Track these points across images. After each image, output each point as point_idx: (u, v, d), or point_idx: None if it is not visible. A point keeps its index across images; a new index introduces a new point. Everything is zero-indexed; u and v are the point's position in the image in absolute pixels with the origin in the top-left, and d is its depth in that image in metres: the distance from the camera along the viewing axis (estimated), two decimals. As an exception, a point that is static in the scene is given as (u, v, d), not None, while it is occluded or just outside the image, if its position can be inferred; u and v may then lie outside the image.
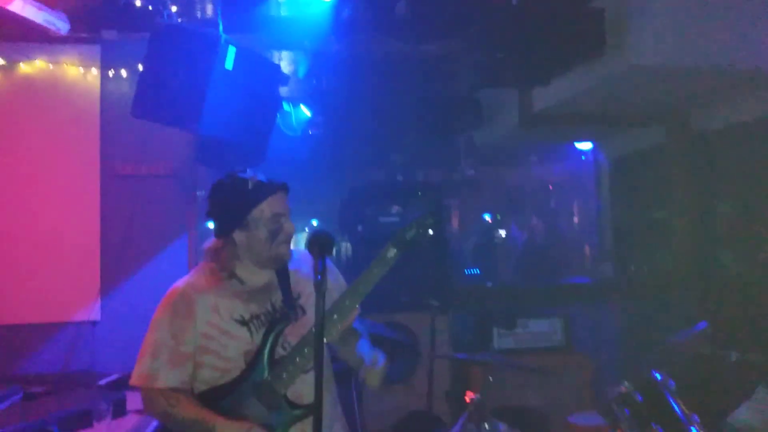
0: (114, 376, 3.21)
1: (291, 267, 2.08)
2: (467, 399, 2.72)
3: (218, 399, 1.92)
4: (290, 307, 2.00)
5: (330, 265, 2.14)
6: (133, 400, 2.95)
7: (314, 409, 1.64)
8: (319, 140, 4.62)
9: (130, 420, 2.76)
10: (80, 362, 3.49)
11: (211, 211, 2.03)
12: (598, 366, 4.05)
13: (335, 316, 1.92)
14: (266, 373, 1.92)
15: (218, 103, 3.10)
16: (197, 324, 1.93)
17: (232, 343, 1.94)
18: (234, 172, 2.03)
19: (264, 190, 1.99)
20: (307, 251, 2.05)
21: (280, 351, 1.95)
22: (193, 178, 3.85)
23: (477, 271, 5.49)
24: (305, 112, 4.58)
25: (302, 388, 1.93)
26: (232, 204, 1.99)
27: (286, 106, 4.46)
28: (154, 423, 2.74)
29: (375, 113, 4.32)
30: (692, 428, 2.47)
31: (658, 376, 2.62)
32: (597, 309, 4.47)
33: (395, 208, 3.98)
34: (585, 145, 5.78)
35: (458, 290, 4.38)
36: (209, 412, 1.90)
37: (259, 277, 2.02)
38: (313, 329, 1.87)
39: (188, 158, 3.80)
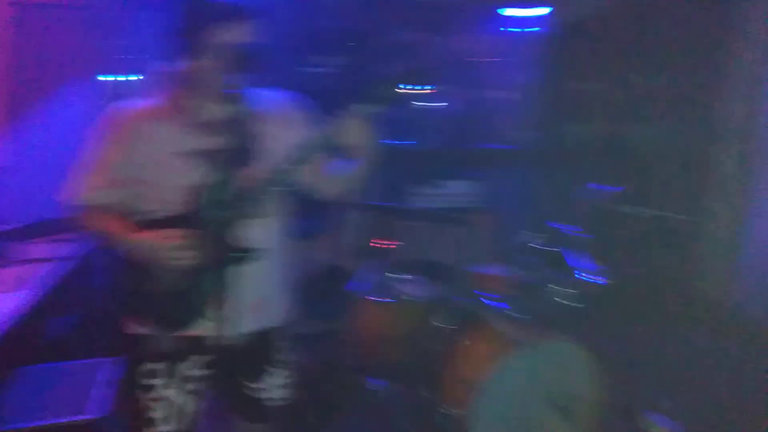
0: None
1: (253, 105, 1.89)
2: (382, 245, 2.76)
3: None
4: (245, 147, 1.84)
5: (298, 103, 2.03)
6: (24, 250, 2.82)
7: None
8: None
9: (13, 271, 2.63)
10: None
11: (166, 31, 1.81)
12: (505, 223, 4.17)
13: (292, 162, 1.80)
14: (208, 213, 1.81)
15: None
16: (134, 151, 1.82)
17: (172, 175, 1.81)
18: None
19: (221, 12, 1.75)
20: (272, 90, 1.98)
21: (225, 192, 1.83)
22: (109, 17, 3.48)
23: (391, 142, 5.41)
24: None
25: (248, 233, 1.84)
26: (184, 25, 1.78)
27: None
28: (41, 273, 2.63)
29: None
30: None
31: (561, 226, 2.74)
32: (514, 174, 4.54)
33: (322, 59, 3.71)
34: (541, 11, 5.45)
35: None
36: (118, 225, 1.86)
37: (214, 111, 1.83)
38: (266, 174, 1.81)
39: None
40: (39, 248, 2.93)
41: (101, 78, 3.68)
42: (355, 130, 1.80)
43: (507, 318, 2.81)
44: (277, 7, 4.04)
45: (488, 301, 2.95)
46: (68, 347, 3.06)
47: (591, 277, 2.75)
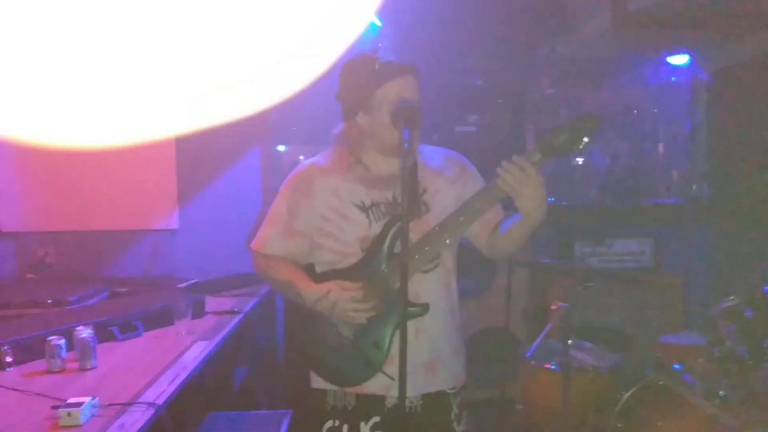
0: (193, 281, 3.27)
1: (420, 159, 1.96)
2: (553, 307, 2.56)
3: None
4: (414, 201, 1.88)
5: (466, 162, 2.05)
6: (212, 303, 3.00)
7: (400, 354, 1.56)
8: (390, 52, 4.36)
9: (209, 320, 2.80)
10: (160, 268, 3.56)
11: (339, 92, 1.94)
12: (689, 286, 3.80)
13: (462, 218, 1.80)
14: (384, 265, 1.84)
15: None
16: (316, 204, 1.91)
17: (350, 227, 1.88)
18: (364, 50, 1.90)
19: (390, 71, 1.84)
20: (438, 147, 2.03)
21: (399, 245, 1.83)
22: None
23: (552, 199, 5.22)
24: (375, 22, 4.34)
25: (419, 287, 1.84)
26: (355, 84, 1.88)
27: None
28: (233, 323, 2.76)
29: (450, 22, 4.03)
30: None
31: (772, 289, 2.38)
32: (688, 230, 4.14)
33: (472, 117, 3.73)
34: (680, 59, 5.29)
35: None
36: (298, 274, 1.92)
37: (386, 165, 1.91)
38: (435, 228, 1.83)
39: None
40: (227, 301, 3.11)
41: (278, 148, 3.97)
42: (526, 180, 1.70)
43: (710, 396, 2.46)
44: (433, 66, 4.18)
45: (685, 375, 2.61)
46: (252, 396, 3.18)
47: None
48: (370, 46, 4.30)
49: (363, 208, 1.89)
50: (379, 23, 4.37)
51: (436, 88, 3.69)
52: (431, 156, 2.01)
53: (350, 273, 1.86)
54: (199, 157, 3.64)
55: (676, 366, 2.70)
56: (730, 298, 2.48)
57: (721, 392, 2.42)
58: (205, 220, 3.63)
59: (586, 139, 1.67)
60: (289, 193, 1.97)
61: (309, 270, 1.99)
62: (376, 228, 1.86)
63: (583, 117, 1.68)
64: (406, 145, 1.58)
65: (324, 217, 1.91)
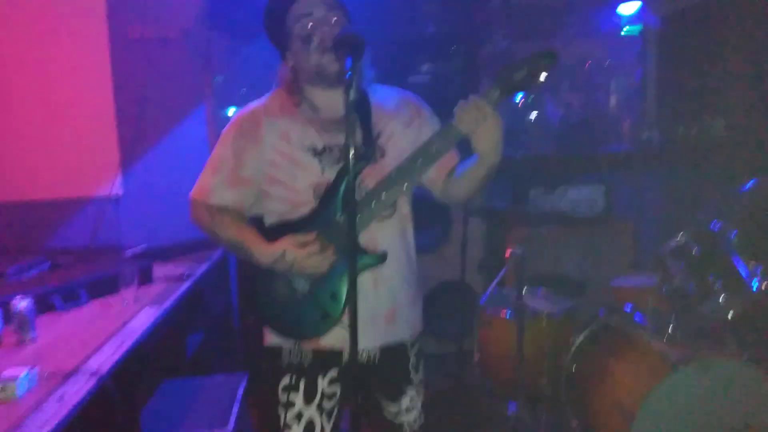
0: (139, 248, 3.16)
1: (374, 101, 1.86)
2: (507, 254, 2.56)
3: (287, 234, 1.76)
4: (368, 145, 1.79)
5: (422, 103, 1.95)
6: (161, 269, 2.91)
7: (350, 312, 1.51)
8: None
9: (158, 287, 2.71)
10: (105, 237, 3.42)
11: (266, 31, 1.86)
12: (639, 231, 3.87)
13: (420, 161, 1.72)
14: (339, 214, 1.75)
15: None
16: (264, 149, 1.79)
17: (301, 173, 1.77)
18: None
19: None
20: (392, 88, 1.92)
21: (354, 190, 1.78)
22: (207, 42, 3.58)
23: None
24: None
25: (376, 235, 1.78)
26: (270, 16, 1.81)
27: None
28: (183, 288, 2.68)
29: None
30: (755, 279, 2.30)
31: (717, 227, 2.42)
32: (640, 177, 4.20)
33: (426, 66, 3.63)
34: (631, 7, 5.28)
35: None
36: (249, 234, 1.81)
37: (335, 105, 1.76)
38: (392, 173, 1.74)
39: (199, 20, 3.51)
40: (178, 267, 3.01)
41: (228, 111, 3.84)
42: (483, 119, 1.64)
43: (659, 333, 2.52)
44: (385, 14, 4.08)
45: (636, 316, 2.66)
46: (207, 362, 3.13)
47: (757, 282, 2.40)
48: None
49: (315, 153, 1.78)
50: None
51: (389, 37, 3.57)
52: (385, 97, 1.91)
53: (303, 224, 1.77)
54: (142, 119, 3.49)
55: (627, 308, 2.75)
56: (679, 236, 2.52)
57: (669, 329, 2.47)
58: (151, 185, 3.48)
59: (544, 75, 1.61)
60: (234, 137, 1.82)
61: (257, 223, 1.88)
62: (330, 174, 1.76)
63: (540, 53, 1.62)
64: (348, 75, 1.47)
65: (273, 163, 1.79)
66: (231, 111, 4.20)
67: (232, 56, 3.95)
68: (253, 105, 1.87)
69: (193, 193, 1.88)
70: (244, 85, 4.28)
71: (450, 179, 1.90)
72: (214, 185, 1.84)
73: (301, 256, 1.71)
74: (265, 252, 1.76)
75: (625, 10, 5.30)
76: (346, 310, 1.71)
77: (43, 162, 3.40)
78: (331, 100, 1.80)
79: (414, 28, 3.97)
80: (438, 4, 3.94)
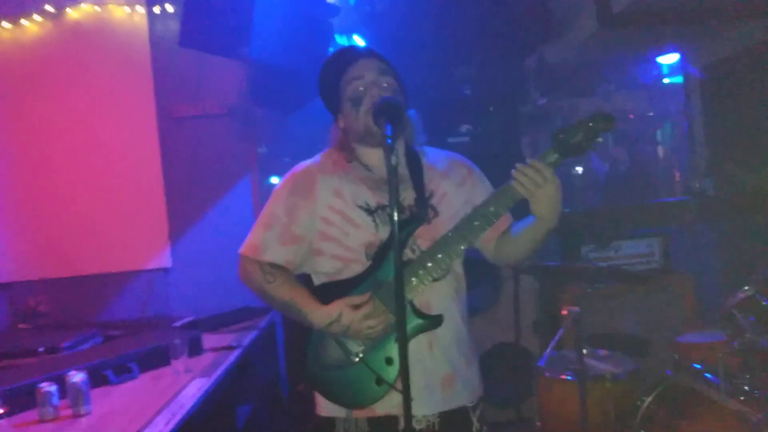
0: (188, 319, 3.18)
1: (426, 161, 1.86)
2: (563, 312, 2.45)
3: (339, 295, 1.72)
4: (421, 205, 1.77)
5: (472, 165, 1.96)
6: (209, 339, 2.91)
7: (402, 377, 1.45)
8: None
9: (207, 357, 2.70)
10: (155, 308, 3.48)
11: (320, 94, 1.90)
12: (701, 284, 3.68)
13: (476, 223, 1.69)
14: (392, 275, 1.66)
15: (267, 25, 2.94)
16: (317, 206, 1.77)
17: (354, 231, 1.75)
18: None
19: (345, 57, 1.81)
20: (442, 150, 1.94)
21: (408, 253, 1.73)
22: (250, 115, 3.69)
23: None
24: (359, 43, 4.32)
25: (431, 297, 1.73)
26: (324, 80, 1.85)
27: (339, 39, 4.22)
28: (231, 358, 2.66)
29: (435, 34, 3.99)
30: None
31: (788, 276, 2.27)
32: (695, 227, 4.04)
33: (465, 127, 3.65)
34: (671, 58, 5.26)
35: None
36: (303, 294, 1.76)
37: (383, 161, 1.74)
38: (448, 234, 1.71)
39: (243, 95, 3.64)
40: (226, 337, 3.02)
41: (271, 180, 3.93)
42: (542, 182, 1.61)
43: (735, 392, 2.33)
44: (421, 78, 4.17)
45: (706, 374, 2.49)
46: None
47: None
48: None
49: (368, 211, 1.76)
50: (363, 43, 4.35)
51: (427, 100, 3.63)
52: (436, 158, 1.91)
53: (354, 284, 1.74)
54: (189, 192, 3.58)
55: (697, 365, 2.58)
56: (745, 288, 2.38)
57: (745, 387, 2.30)
58: (199, 256, 3.55)
59: (600, 139, 1.61)
60: (287, 193, 1.81)
61: (306, 283, 1.84)
62: (383, 233, 1.73)
63: (596, 115, 1.61)
64: (389, 141, 1.48)
65: (326, 220, 1.77)
66: (274, 179, 4.30)
67: (274, 127, 4.06)
68: (307, 163, 1.88)
69: (244, 249, 1.83)
70: (287, 155, 4.38)
71: (504, 240, 1.86)
72: (266, 242, 1.79)
73: (357, 318, 1.67)
74: (319, 314, 1.72)
75: (666, 60, 5.28)
76: (399, 375, 1.63)
77: (95, 237, 3.52)
78: (382, 160, 1.76)
79: (451, 91, 4.02)
80: (474, 66, 3.99)
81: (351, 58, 1.81)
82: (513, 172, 1.65)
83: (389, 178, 1.46)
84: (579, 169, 7.12)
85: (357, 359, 1.72)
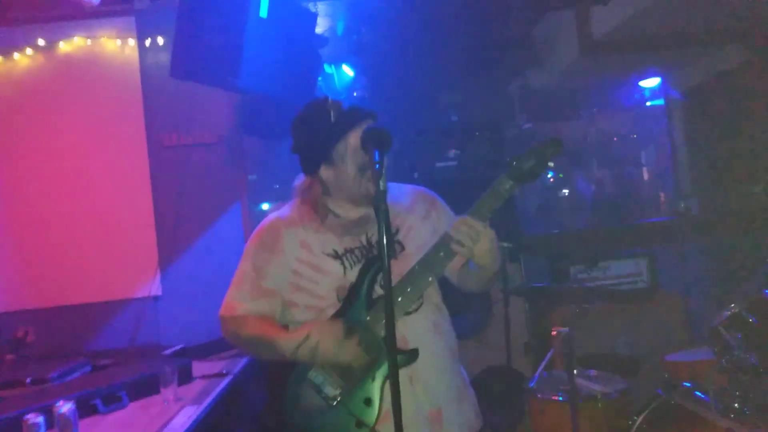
0: (178, 347, 3.16)
1: (389, 199, 1.88)
2: (553, 333, 2.47)
3: None
4: (388, 242, 1.80)
5: (435, 195, 1.99)
6: (199, 367, 2.88)
7: (393, 406, 1.45)
8: (365, 101, 4.40)
9: (197, 385, 2.67)
10: (145, 337, 3.44)
11: (294, 146, 1.86)
12: (688, 302, 3.72)
13: (441, 254, 1.70)
14: (364, 314, 1.73)
15: (257, 55, 2.97)
16: (286, 259, 1.81)
17: (323, 278, 1.78)
18: (317, 99, 1.83)
19: (348, 121, 1.77)
20: (403, 184, 1.96)
21: (378, 290, 1.75)
22: (240, 143, 3.72)
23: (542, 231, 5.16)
24: (348, 72, 4.38)
25: (404, 331, 1.73)
26: (313, 137, 1.80)
27: (327, 68, 4.28)
28: (222, 385, 2.64)
29: (421, 62, 4.07)
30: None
31: (772, 292, 2.31)
32: (682, 247, 4.09)
33: (452, 152, 3.71)
34: (652, 82, 5.37)
35: (528, 238, 4.09)
36: (272, 326, 1.79)
37: (355, 211, 1.83)
38: (415, 267, 1.73)
39: (233, 125, 3.67)
40: (216, 365, 2.99)
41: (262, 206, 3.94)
42: (477, 238, 1.64)
43: (725, 410, 2.35)
44: (407, 105, 4.24)
45: (697, 392, 2.50)
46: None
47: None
48: (345, 95, 4.32)
49: (336, 256, 1.80)
50: (351, 73, 4.41)
51: (413, 127, 3.70)
52: (399, 194, 1.93)
53: None
54: (179, 220, 3.58)
55: (687, 384, 2.59)
56: (732, 306, 2.41)
57: (735, 404, 2.31)
58: (189, 283, 3.53)
59: (551, 164, 1.66)
60: (255, 250, 1.86)
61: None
62: (352, 275, 1.78)
63: (545, 142, 1.67)
64: (377, 167, 1.51)
65: (295, 272, 1.81)
66: (264, 206, 4.31)
67: (264, 155, 4.09)
68: (272, 217, 1.91)
69: (221, 310, 1.89)
70: (277, 182, 4.40)
71: (464, 272, 1.89)
72: (238, 299, 1.85)
73: (325, 336, 1.67)
74: (287, 338, 1.74)
75: (647, 84, 5.39)
76: (383, 416, 1.66)
77: (85, 266, 3.50)
78: (353, 210, 1.84)
79: (438, 117, 4.09)
80: (460, 92, 4.08)
81: (355, 119, 1.78)
82: (448, 231, 1.67)
83: (376, 203, 1.48)
84: (565, 192, 7.20)
85: (335, 402, 1.72)
